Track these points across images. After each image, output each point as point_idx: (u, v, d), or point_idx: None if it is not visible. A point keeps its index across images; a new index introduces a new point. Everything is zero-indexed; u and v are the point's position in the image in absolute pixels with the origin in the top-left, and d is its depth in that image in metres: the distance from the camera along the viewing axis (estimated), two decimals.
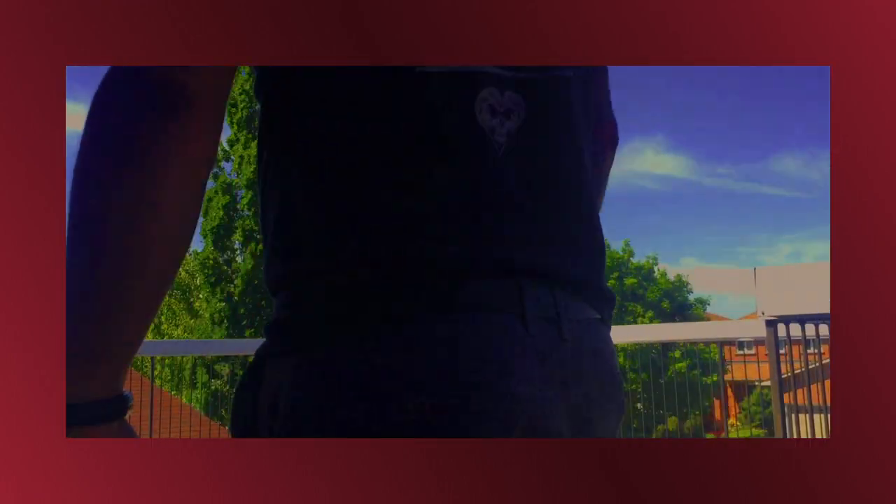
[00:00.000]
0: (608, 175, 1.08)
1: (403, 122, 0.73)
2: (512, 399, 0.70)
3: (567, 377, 0.77)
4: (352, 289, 0.71)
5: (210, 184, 21.58)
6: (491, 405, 0.70)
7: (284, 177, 0.77)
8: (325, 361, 0.70)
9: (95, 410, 0.73)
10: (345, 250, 0.71)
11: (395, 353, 0.68)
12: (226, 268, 20.51)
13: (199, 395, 17.71)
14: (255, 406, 0.76)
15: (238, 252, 20.64)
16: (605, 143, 1.04)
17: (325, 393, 0.70)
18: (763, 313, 2.76)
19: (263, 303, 19.22)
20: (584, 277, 0.82)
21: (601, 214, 1.03)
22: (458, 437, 0.70)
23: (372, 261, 0.70)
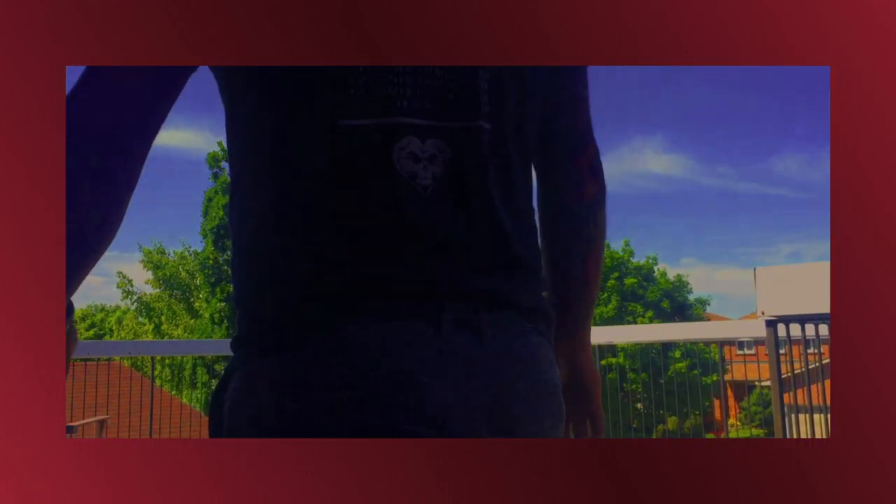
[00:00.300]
0: (599, 200, 1.10)
1: (334, 172, 0.81)
2: (419, 391, 0.77)
3: (489, 380, 0.82)
4: (293, 307, 0.82)
5: (210, 184, 21.56)
6: (401, 397, 0.77)
7: (240, 218, 0.88)
8: (267, 366, 0.81)
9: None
10: (288, 278, 0.82)
11: (321, 356, 0.78)
12: (226, 268, 20.50)
13: (199, 395, 17.72)
14: (221, 417, 0.86)
15: None
16: (585, 170, 1.08)
17: (254, 390, 0.81)
18: (763, 313, 2.76)
19: None
20: (510, 298, 0.87)
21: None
22: (369, 425, 0.78)
23: (310, 284, 0.81)
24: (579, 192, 1.07)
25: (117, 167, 0.80)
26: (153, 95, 0.84)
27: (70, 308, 0.92)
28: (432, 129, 0.84)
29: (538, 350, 0.90)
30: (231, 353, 0.89)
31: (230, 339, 0.89)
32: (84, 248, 0.81)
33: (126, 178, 0.81)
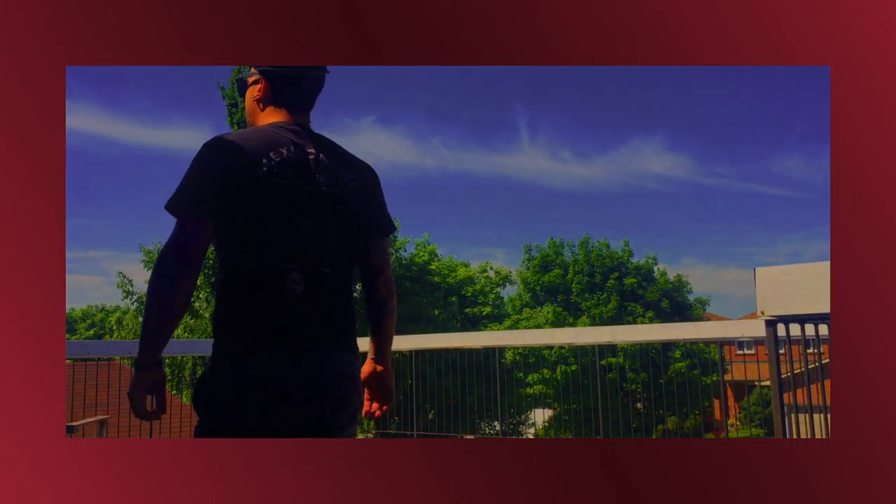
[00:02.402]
0: (392, 294, 2.04)
1: (263, 285, 1.76)
2: (307, 403, 1.63)
3: (335, 394, 1.72)
4: (237, 340, 1.73)
5: None
6: (295, 405, 1.60)
7: (218, 279, 1.82)
8: (222, 375, 1.70)
9: (159, 363, 1.69)
10: (236, 321, 1.75)
11: (255, 370, 1.67)
12: None
13: None
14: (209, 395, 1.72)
15: None
16: (383, 283, 2.02)
17: (213, 389, 1.68)
18: (763, 313, 2.76)
19: None
20: (348, 344, 1.86)
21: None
22: (275, 420, 1.49)
23: (248, 328, 1.73)
24: (384, 290, 2.00)
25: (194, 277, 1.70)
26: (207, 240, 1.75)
27: (163, 361, 1.70)
28: (301, 270, 1.79)
29: (357, 374, 1.88)
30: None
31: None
32: (173, 321, 1.70)
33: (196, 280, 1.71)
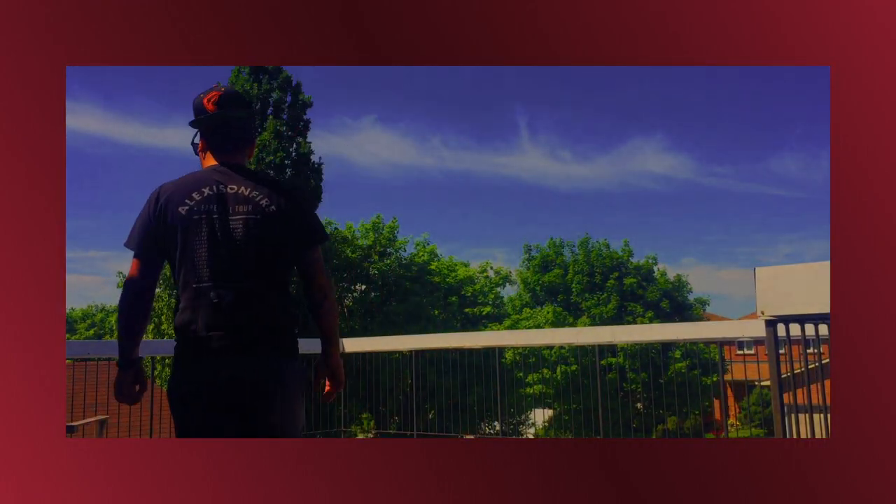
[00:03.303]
0: (329, 296, 2.28)
1: (192, 301, 2.14)
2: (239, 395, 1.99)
3: (234, 392, 2.03)
4: (178, 344, 2.16)
5: None
6: (219, 395, 1.99)
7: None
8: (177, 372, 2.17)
9: (135, 361, 2.21)
10: (178, 327, 2.15)
11: (179, 371, 2.13)
12: None
13: None
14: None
15: None
16: (317, 286, 2.27)
17: (170, 383, 2.17)
18: (763, 313, 2.76)
19: None
20: (277, 344, 2.17)
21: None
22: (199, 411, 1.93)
23: (178, 334, 2.15)
24: (318, 295, 2.25)
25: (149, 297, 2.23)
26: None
27: (141, 358, 2.21)
28: (223, 286, 2.13)
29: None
30: None
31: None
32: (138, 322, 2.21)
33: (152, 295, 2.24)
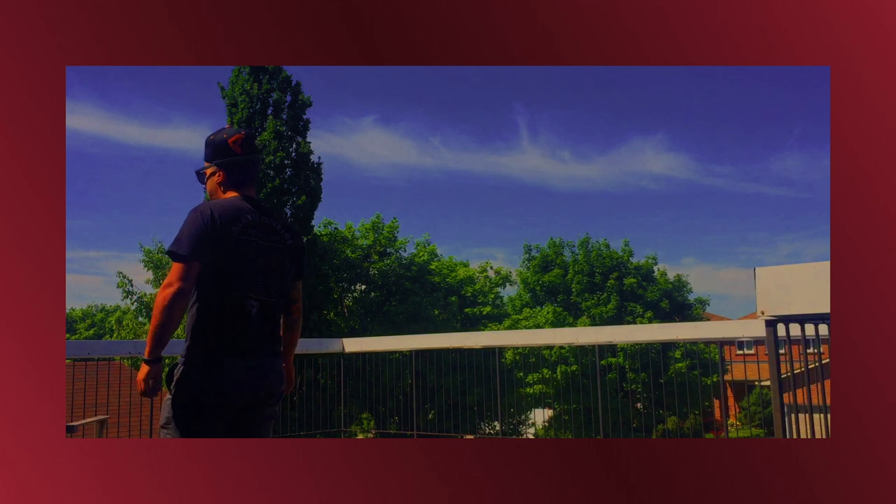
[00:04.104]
0: (299, 319, 2.82)
1: (231, 309, 2.50)
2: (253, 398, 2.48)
3: (270, 383, 2.57)
4: (210, 344, 2.43)
5: None
6: (239, 392, 2.38)
7: (197, 298, 2.49)
8: (190, 371, 2.43)
9: (160, 359, 2.40)
10: (211, 330, 2.44)
11: (211, 372, 2.40)
12: None
13: None
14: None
15: None
16: (295, 309, 2.76)
17: (190, 377, 2.39)
18: (763, 313, 2.76)
19: None
20: (279, 350, 2.68)
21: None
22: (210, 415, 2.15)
23: (210, 338, 2.44)
24: (295, 314, 2.78)
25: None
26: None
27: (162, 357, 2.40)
28: (257, 298, 2.55)
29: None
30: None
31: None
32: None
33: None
